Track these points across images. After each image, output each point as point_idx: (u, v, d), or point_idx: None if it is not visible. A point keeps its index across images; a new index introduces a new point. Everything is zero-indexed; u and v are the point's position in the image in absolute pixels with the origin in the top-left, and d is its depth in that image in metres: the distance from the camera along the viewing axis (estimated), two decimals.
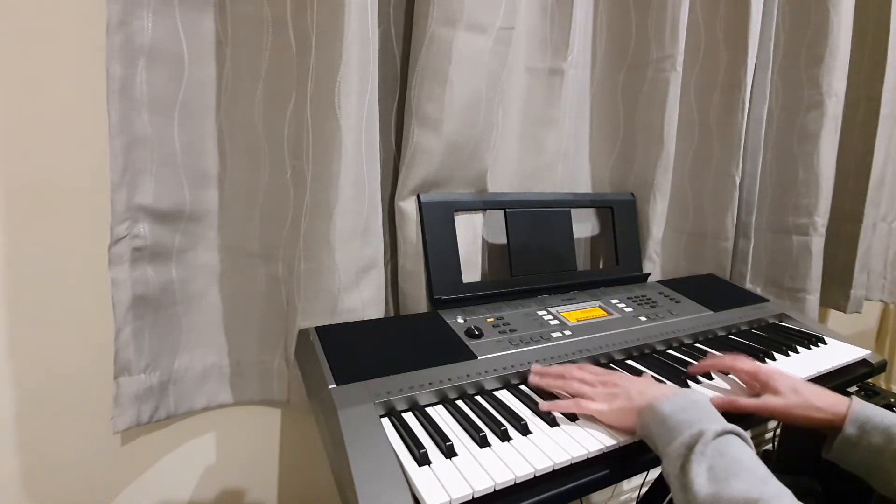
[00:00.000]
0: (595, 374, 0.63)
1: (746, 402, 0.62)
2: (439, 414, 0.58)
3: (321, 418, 0.56)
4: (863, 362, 0.83)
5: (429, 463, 0.49)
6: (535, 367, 0.66)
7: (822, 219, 1.20)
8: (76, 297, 0.68)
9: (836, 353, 0.83)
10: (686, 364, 0.73)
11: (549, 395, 0.63)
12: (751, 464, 0.45)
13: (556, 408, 0.59)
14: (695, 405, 0.52)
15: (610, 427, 0.57)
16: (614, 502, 1.37)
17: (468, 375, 0.63)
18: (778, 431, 1.33)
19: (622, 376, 0.62)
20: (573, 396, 0.60)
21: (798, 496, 0.42)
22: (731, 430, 0.48)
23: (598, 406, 0.57)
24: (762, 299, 1.02)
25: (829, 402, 0.60)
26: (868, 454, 0.56)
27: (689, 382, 0.68)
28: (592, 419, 0.58)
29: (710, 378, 0.70)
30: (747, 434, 0.49)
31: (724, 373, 0.71)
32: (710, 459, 0.46)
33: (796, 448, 1.25)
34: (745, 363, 0.67)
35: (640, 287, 0.98)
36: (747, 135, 1.12)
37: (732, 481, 0.43)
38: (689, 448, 0.47)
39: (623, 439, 0.55)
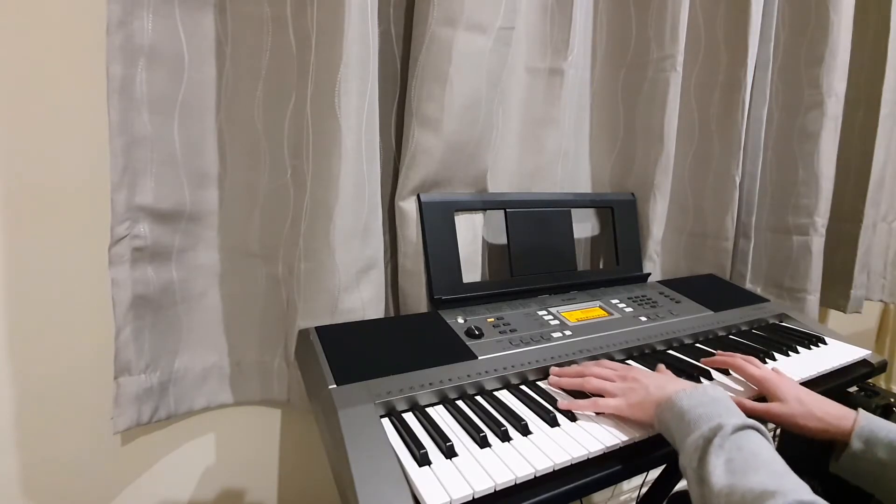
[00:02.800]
0: (613, 368, 0.64)
1: (752, 404, 0.63)
2: (439, 414, 0.58)
3: (321, 418, 0.56)
4: (863, 362, 0.83)
5: (429, 463, 0.49)
6: (554, 368, 0.67)
7: (822, 219, 1.20)
8: (76, 297, 0.68)
9: (836, 353, 0.83)
10: (686, 364, 0.73)
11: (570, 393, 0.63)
12: (769, 458, 0.45)
13: (574, 407, 0.59)
14: (714, 400, 0.52)
15: (628, 420, 0.57)
16: (614, 502, 1.37)
17: (468, 375, 0.63)
18: (778, 431, 1.33)
19: (640, 371, 0.62)
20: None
21: None
22: (750, 425, 0.49)
23: (616, 402, 0.58)
24: (762, 299, 1.02)
25: (834, 414, 0.60)
26: (873, 468, 0.56)
27: (702, 379, 0.69)
28: (602, 414, 0.58)
29: (711, 378, 0.70)
30: (766, 429, 0.49)
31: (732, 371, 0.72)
32: (728, 453, 0.46)
33: (796, 449, 1.25)
34: (754, 369, 0.67)
35: (640, 287, 0.98)
36: (747, 135, 1.13)
37: (750, 474, 0.43)
38: (708, 441, 0.47)
39: (625, 439, 0.55)
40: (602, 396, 0.60)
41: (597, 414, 0.59)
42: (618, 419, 0.58)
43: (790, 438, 1.26)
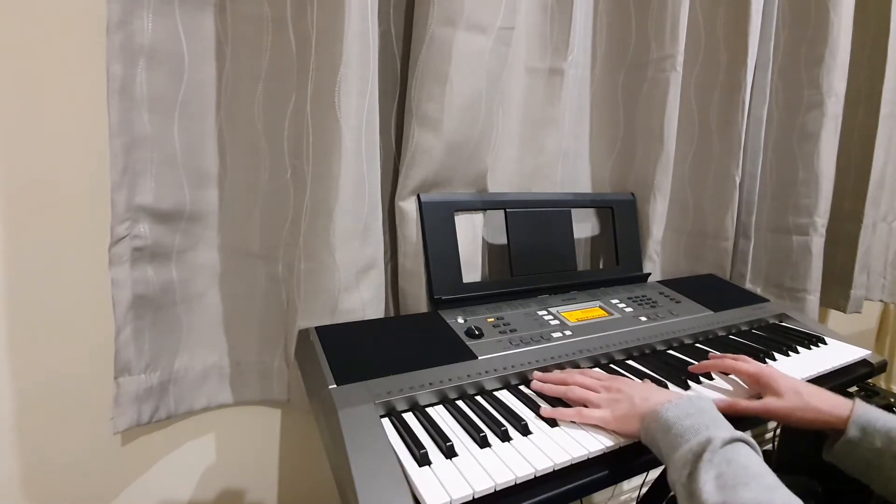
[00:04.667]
0: (598, 378, 0.63)
1: (748, 404, 0.62)
2: (439, 414, 0.58)
3: (321, 418, 0.56)
4: (863, 362, 0.83)
5: (429, 463, 0.49)
6: (537, 374, 0.66)
7: (822, 219, 1.20)
8: (76, 297, 0.68)
9: (836, 354, 0.83)
10: (687, 364, 0.73)
11: (553, 400, 0.62)
12: (759, 472, 0.45)
13: (558, 415, 0.58)
14: (700, 411, 0.52)
15: (613, 433, 0.56)
16: (614, 502, 1.37)
17: (468, 375, 0.63)
18: (778, 431, 1.33)
19: (625, 381, 0.61)
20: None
21: (798, 496, 0.42)
22: (738, 438, 0.48)
23: (601, 414, 0.57)
24: (762, 299, 1.02)
25: (830, 403, 0.60)
26: (869, 456, 0.56)
27: (690, 382, 0.68)
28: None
29: (711, 378, 0.70)
30: (755, 441, 0.49)
31: (725, 373, 0.71)
32: (717, 467, 0.45)
33: (796, 448, 1.25)
34: (747, 365, 0.67)
35: (640, 287, 0.98)
36: (747, 135, 1.12)
37: (741, 490, 0.43)
38: (697, 455, 0.46)
39: (624, 440, 0.55)
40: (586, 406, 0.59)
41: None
42: None
43: (791, 440, 1.26)
